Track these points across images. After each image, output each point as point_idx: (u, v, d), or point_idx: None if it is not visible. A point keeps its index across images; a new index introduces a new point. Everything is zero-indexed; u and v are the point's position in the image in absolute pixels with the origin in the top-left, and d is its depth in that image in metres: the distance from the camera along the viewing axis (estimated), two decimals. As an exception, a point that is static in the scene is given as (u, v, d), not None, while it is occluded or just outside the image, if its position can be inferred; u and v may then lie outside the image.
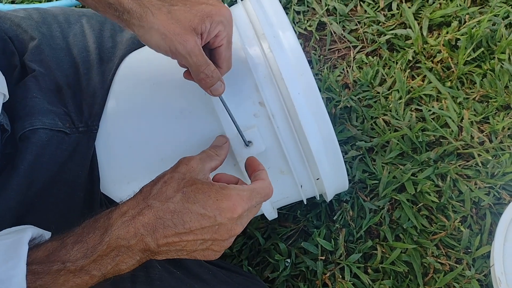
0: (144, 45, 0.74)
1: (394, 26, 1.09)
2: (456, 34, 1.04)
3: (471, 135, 0.95)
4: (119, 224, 0.47)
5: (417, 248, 0.87)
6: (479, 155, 0.93)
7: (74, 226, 0.49)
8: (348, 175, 0.71)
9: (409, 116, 0.98)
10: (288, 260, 0.88)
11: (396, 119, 0.98)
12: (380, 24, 1.10)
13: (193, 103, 0.64)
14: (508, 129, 0.95)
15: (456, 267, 0.85)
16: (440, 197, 0.91)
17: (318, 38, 1.12)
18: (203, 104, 0.64)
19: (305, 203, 0.74)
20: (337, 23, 1.12)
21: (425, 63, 1.04)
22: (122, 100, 0.68)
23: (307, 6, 1.15)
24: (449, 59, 1.03)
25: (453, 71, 1.02)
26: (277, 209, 0.83)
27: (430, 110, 0.99)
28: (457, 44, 1.04)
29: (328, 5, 1.14)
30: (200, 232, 0.49)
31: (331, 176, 0.67)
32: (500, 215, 0.83)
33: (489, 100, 0.99)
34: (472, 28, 1.03)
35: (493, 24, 1.05)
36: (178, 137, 0.65)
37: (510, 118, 0.96)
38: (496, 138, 0.95)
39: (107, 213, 0.49)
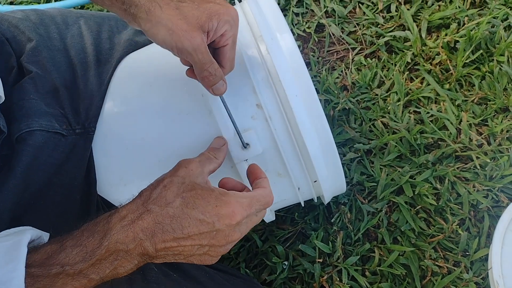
0: (141, 47, 0.75)
1: (393, 28, 1.09)
2: (455, 36, 1.04)
3: (470, 138, 0.95)
4: (118, 228, 0.47)
5: (415, 251, 0.86)
6: (477, 157, 0.93)
7: (73, 229, 0.49)
8: (346, 177, 0.71)
9: (407, 118, 0.98)
10: (286, 263, 0.88)
11: (395, 121, 0.98)
12: (378, 26, 1.10)
13: (191, 105, 0.64)
14: (507, 131, 0.95)
15: (454, 270, 0.85)
16: (438, 200, 0.90)
17: (316, 40, 1.12)
18: (201, 106, 0.63)
19: (303, 205, 0.74)
20: (335, 25, 1.12)
21: (424, 65, 1.03)
22: (119, 102, 0.68)
23: (306, 8, 1.15)
24: (448, 61, 1.03)
25: (451, 73, 1.02)
26: (275, 211, 0.83)
27: (428, 113, 0.98)
28: (456, 46, 1.04)
29: (327, 7, 1.14)
30: (198, 237, 0.49)
31: (328, 178, 0.67)
32: (498, 217, 0.83)
33: (488, 103, 0.99)
34: (471, 30, 1.03)
35: (492, 26, 1.05)
36: (175, 139, 0.65)
37: (508, 120, 0.96)
38: (494, 140, 0.95)
39: (106, 217, 0.49)
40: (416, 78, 1.03)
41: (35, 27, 0.72)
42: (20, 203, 0.62)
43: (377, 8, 1.12)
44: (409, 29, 1.07)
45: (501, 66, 1.00)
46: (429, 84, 1.02)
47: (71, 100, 0.68)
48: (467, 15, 1.07)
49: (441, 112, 0.98)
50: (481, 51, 1.02)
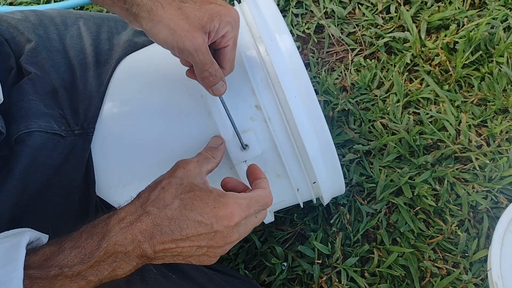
0: (141, 48, 0.75)
1: (392, 29, 1.09)
2: (454, 37, 1.04)
3: (469, 139, 0.95)
4: (117, 230, 0.47)
5: (414, 252, 0.86)
6: (476, 158, 0.93)
7: (71, 230, 0.49)
8: (345, 178, 0.71)
9: (406, 119, 0.98)
10: (285, 264, 0.88)
11: (394, 122, 0.98)
12: (378, 27, 1.10)
13: (190, 106, 0.64)
14: (506, 132, 0.95)
15: (453, 271, 0.85)
16: (437, 201, 0.90)
17: (316, 41, 1.12)
18: (200, 107, 0.63)
19: (302, 206, 0.74)
20: (335, 25, 1.12)
21: (423, 66, 1.03)
22: (118, 103, 0.68)
23: (305, 9, 1.15)
24: (447, 62, 1.03)
25: (451, 74, 1.02)
26: (274, 212, 0.83)
27: (427, 114, 0.98)
28: (455, 47, 1.04)
29: (327, 7, 1.14)
30: (196, 239, 0.49)
31: (327, 179, 0.67)
32: (497, 219, 0.83)
33: (487, 104, 0.99)
34: (471, 31, 1.03)
35: (492, 27, 1.05)
36: (174, 140, 0.65)
37: (508, 121, 0.96)
38: (494, 141, 0.95)
39: (105, 218, 0.49)
40: (416, 79, 1.03)
41: (34, 28, 0.72)
42: (19, 204, 0.62)
43: (377, 9, 1.12)
44: (408, 30, 1.07)
45: (501, 67, 1.00)
46: (428, 85, 1.02)
47: (70, 101, 0.68)
48: (466, 16, 1.07)
49: (440, 113, 0.98)
50: (481, 52, 1.02)
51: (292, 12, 1.15)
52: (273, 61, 0.61)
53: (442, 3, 1.11)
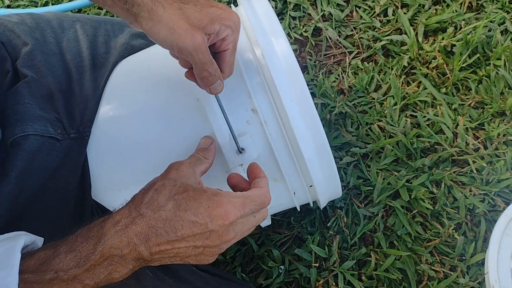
0: (138, 51, 0.75)
1: (389, 32, 1.09)
2: (451, 40, 1.05)
3: (466, 142, 0.95)
4: (112, 234, 0.47)
5: (411, 255, 0.86)
6: (474, 161, 0.93)
7: (66, 234, 0.49)
8: (342, 181, 0.71)
9: (404, 122, 0.98)
10: (282, 267, 0.88)
11: (391, 125, 0.98)
12: (375, 30, 1.10)
13: (185, 110, 0.64)
14: (503, 135, 0.95)
15: (451, 274, 0.85)
16: (434, 204, 0.90)
17: (313, 44, 1.12)
18: (196, 111, 0.63)
19: (299, 209, 0.74)
20: (332, 28, 1.12)
21: (421, 69, 1.04)
22: (114, 106, 0.68)
23: (303, 12, 1.15)
24: (445, 65, 1.03)
25: (448, 77, 1.02)
26: (271, 215, 0.83)
27: (425, 117, 0.98)
28: (453, 50, 1.04)
29: (324, 10, 1.14)
30: (192, 239, 0.49)
31: (324, 183, 0.67)
32: (494, 222, 0.83)
33: (485, 107, 0.99)
34: (468, 34, 1.04)
35: (489, 30, 1.05)
36: (170, 144, 0.64)
37: (505, 124, 0.96)
38: (491, 144, 0.95)
39: (100, 222, 0.49)
40: (413, 82, 1.03)
41: (31, 31, 0.72)
42: (15, 208, 0.62)
43: (374, 12, 1.12)
44: (406, 33, 1.08)
45: (498, 70, 1.00)
46: (425, 88, 1.02)
47: (66, 104, 0.68)
48: (464, 19, 1.07)
49: (437, 116, 0.98)
50: (478, 55, 1.02)
51: (289, 15, 1.15)
52: (269, 64, 0.61)
53: (440, 6, 1.11)
